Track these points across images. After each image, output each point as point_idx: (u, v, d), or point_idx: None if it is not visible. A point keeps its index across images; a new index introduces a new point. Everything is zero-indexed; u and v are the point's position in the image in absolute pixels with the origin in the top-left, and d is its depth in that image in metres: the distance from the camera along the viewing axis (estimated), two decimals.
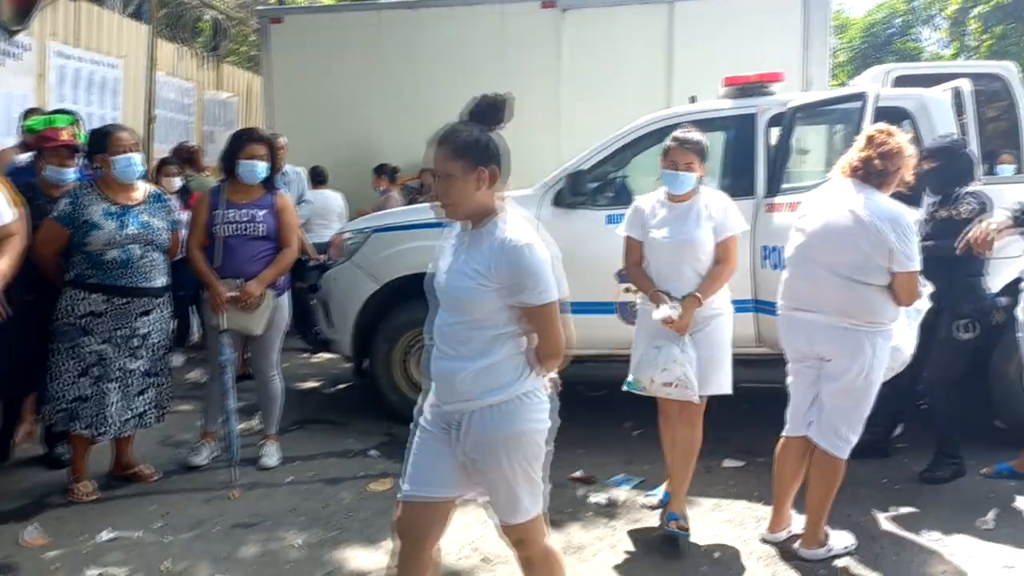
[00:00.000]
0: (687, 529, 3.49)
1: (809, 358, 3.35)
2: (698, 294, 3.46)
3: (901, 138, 3.25)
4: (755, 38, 7.47)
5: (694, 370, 3.43)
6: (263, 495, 4.05)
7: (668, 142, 3.65)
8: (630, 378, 3.70)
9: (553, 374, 2.49)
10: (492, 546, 3.50)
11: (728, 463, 4.46)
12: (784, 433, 3.47)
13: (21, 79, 6.52)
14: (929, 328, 3.91)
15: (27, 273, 3.86)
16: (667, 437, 3.74)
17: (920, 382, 4.25)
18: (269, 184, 4.43)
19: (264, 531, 3.62)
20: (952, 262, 3.93)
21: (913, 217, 3.30)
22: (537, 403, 2.36)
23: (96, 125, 4.55)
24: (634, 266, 3.70)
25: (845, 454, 3.28)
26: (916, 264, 3.13)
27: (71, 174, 4.18)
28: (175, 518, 3.75)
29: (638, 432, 5.07)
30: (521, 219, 2.34)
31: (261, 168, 4.33)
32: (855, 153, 3.27)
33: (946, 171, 4.18)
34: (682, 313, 3.43)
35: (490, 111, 2.30)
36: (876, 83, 7.52)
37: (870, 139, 3.25)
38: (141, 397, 4.00)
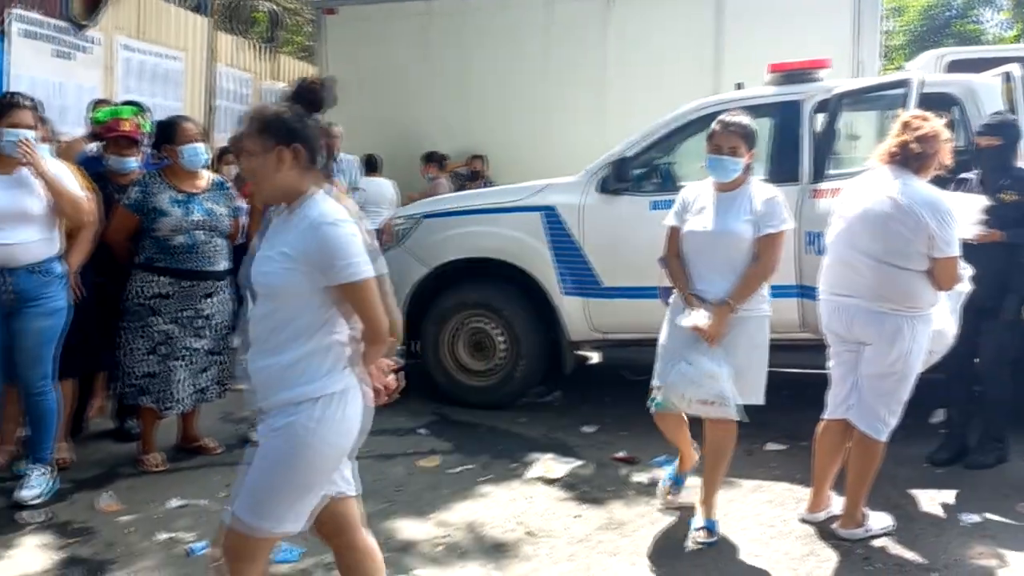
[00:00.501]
0: (715, 539, 3.40)
1: (849, 342, 3.41)
2: (730, 300, 3.28)
3: (936, 122, 3.29)
4: (805, 23, 7.42)
5: (731, 384, 3.26)
6: None
7: (713, 126, 3.50)
8: (657, 397, 3.49)
9: (391, 376, 2.44)
10: (536, 520, 3.65)
11: (771, 446, 4.53)
12: (824, 416, 3.53)
13: (90, 72, 6.82)
14: (989, 311, 3.94)
15: (98, 256, 4.12)
16: (682, 430, 3.64)
17: (972, 367, 4.24)
18: (326, 173, 4.59)
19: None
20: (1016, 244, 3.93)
21: (955, 202, 3.33)
22: (334, 413, 2.19)
23: (160, 115, 4.79)
24: (673, 257, 3.55)
25: (884, 437, 3.34)
26: (955, 249, 3.17)
27: (132, 163, 4.42)
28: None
29: None
30: (332, 200, 2.24)
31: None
32: (892, 139, 3.31)
33: (1009, 148, 4.09)
34: (714, 321, 3.26)
35: (308, 95, 2.22)
36: (927, 68, 7.46)
37: (905, 124, 3.30)
38: (204, 374, 4.22)
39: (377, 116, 8.75)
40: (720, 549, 3.40)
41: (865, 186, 3.37)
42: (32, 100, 3.68)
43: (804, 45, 6.92)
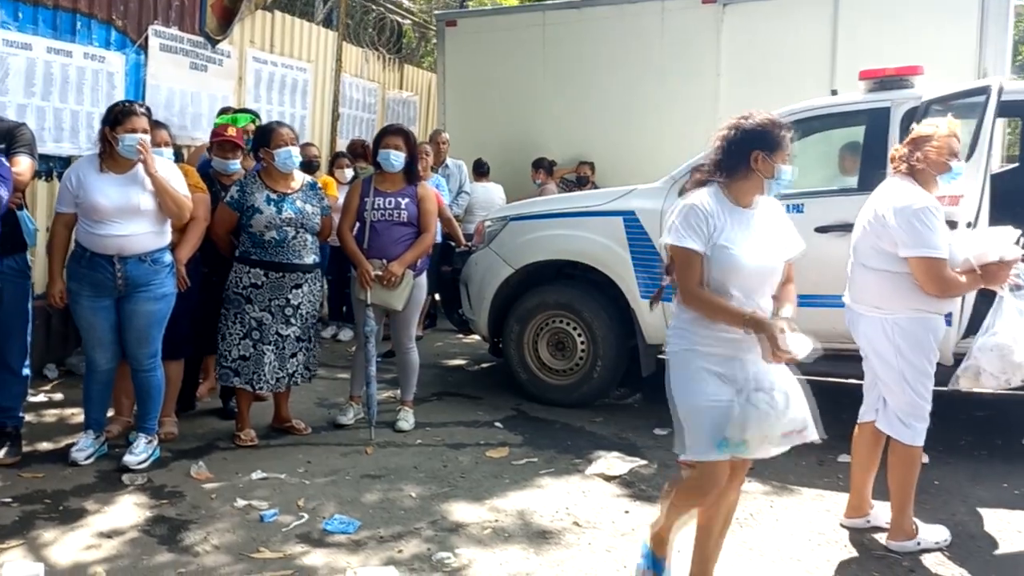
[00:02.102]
0: None
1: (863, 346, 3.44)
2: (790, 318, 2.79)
3: (929, 126, 3.31)
4: (925, 27, 7.14)
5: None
6: (393, 453, 4.51)
7: (784, 134, 2.80)
8: (727, 435, 2.68)
9: None
10: (586, 513, 3.76)
11: (844, 458, 4.43)
12: (858, 419, 3.52)
13: (222, 82, 7.42)
14: None
15: (205, 249, 4.56)
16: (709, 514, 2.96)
17: None
18: (412, 175, 4.88)
19: (387, 483, 4.07)
20: None
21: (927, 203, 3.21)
22: None
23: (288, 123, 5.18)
24: (703, 287, 2.76)
25: (910, 440, 3.29)
26: (926, 251, 3.13)
27: (233, 165, 4.84)
28: (316, 466, 4.28)
29: None
30: None
31: (396, 157, 4.77)
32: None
33: None
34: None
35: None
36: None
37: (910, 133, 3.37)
38: (293, 360, 4.57)
39: (492, 123, 9.08)
40: (762, 551, 3.42)
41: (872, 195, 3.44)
42: (146, 107, 4.13)
43: (924, 50, 6.68)
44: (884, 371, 3.30)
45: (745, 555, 3.38)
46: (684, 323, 2.76)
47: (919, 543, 3.35)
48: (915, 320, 3.22)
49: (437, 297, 7.61)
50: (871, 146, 4.89)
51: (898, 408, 3.29)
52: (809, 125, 5.10)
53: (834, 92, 5.54)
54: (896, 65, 4.87)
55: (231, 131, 4.83)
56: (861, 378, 3.61)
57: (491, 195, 8.23)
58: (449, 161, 7.87)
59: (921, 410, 3.27)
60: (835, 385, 4.83)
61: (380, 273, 4.70)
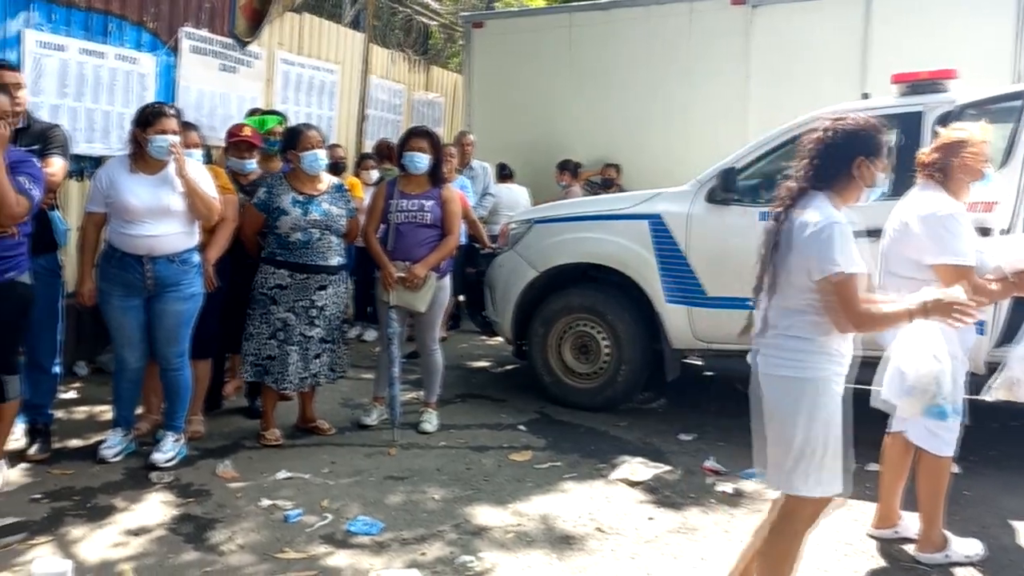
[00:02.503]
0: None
1: None
2: None
3: (962, 131, 3.22)
4: (959, 29, 7.02)
5: None
6: (416, 455, 4.52)
7: (887, 140, 2.88)
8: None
9: None
10: (609, 519, 3.75)
11: (873, 467, 4.37)
12: (889, 429, 3.47)
13: (252, 83, 7.48)
14: None
15: (233, 250, 4.59)
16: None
17: None
18: (437, 177, 4.89)
19: (411, 484, 4.08)
20: None
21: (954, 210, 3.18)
22: None
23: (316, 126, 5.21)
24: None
25: (937, 450, 3.25)
26: (952, 258, 3.07)
27: (249, 164, 4.90)
28: (340, 466, 4.29)
29: None
30: None
31: (420, 159, 4.78)
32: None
33: None
34: None
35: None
36: None
37: (936, 137, 3.31)
38: (318, 360, 4.59)
39: (518, 124, 9.07)
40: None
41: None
42: (176, 108, 4.17)
43: (959, 52, 6.57)
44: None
45: None
46: (823, 346, 2.54)
47: (948, 555, 3.30)
48: (941, 327, 3.18)
49: (462, 299, 7.64)
50: (903, 151, 4.83)
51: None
52: None
53: (866, 96, 5.49)
54: (929, 68, 4.81)
55: (247, 131, 4.89)
56: None
57: (516, 197, 8.20)
58: (474, 163, 7.88)
59: (954, 419, 3.21)
60: (867, 392, 4.78)
61: (403, 275, 4.71)
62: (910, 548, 3.42)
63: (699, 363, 5.63)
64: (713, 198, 5.00)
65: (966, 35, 6.97)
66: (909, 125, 4.71)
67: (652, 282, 5.16)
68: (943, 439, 3.24)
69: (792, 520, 2.62)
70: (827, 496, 2.58)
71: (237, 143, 4.88)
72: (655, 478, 4.23)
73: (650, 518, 3.77)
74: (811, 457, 2.52)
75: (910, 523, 3.46)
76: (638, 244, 5.19)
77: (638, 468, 4.33)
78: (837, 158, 2.54)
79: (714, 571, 3.27)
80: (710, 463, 4.42)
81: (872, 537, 3.52)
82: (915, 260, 3.21)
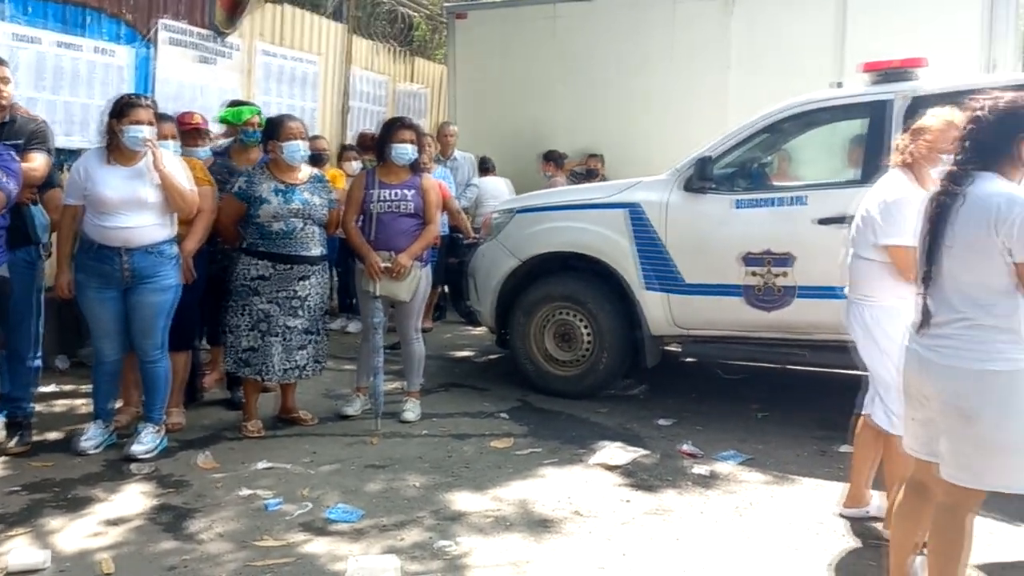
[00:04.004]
0: None
1: None
2: None
3: (933, 117, 3.27)
4: (932, 17, 7.10)
5: None
6: (398, 443, 4.54)
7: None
8: None
9: None
10: (586, 502, 3.78)
11: (845, 448, 4.44)
12: (859, 411, 3.54)
13: (231, 75, 7.46)
14: None
15: (212, 241, 4.60)
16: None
17: None
18: (415, 167, 4.91)
19: (391, 472, 4.10)
20: None
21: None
22: None
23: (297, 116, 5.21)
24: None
25: (885, 426, 3.32)
26: (897, 239, 3.16)
27: (201, 152, 4.94)
28: (321, 456, 4.32)
29: (763, 415, 5.13)
30: None
31: (411, 151, 4.81)
32: None
33: None
34: None
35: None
36: None
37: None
38: (301, 352, 4.60)
39: (503, 116, 9.08)
40: (761, 539, 3.43)
41: None
42: (150, 99, 4.17)
43: (931, 41, 6.65)
44: (869, 359, 3.35)
45: (744, 544, 3.39)
46: (1019, 333, 2.42)
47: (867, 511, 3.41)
48: (885, 311, 3.25)
49: (446, 289, 7.65)
50: (873, 139, 4.87)
51: (876, 392, 3.35)
52: (813, 118, 5.08)
53: (839, 84, 5.52)
54: (901, 57, 4.85)
55: (196, 118, 4.93)
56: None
57: (498, 188, 8.21)
58: (457, 153, 7.89)
59: (888, 396, 3.28)
60: (842, 376, 4.85)
61: (389, 265, 4.72)
62: (880, 527, 3.47)
63: (677, 350, 5.66)
64: (690, 187, 5.03)
65: (939, 25, 7.06)
66: (879, 112, 4.75)
67: (631, 270, 5.19)
68: (885, 415, 3.31)
69: (961, 510, 2.55)
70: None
71: (187, 131, 4.87)
72: (633, 462, 4.27)
73: (627, 501, 3.81)
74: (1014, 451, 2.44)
75: (881, 502, 3.51)
76: (617, 233, 5.22)
77: (616, 453, 4.37)
78: (1000, 136, 2.47)
79: (688, 551, 3.32)
80: (687, 447, 4.47)
81: (844, 517, 3.57)
82: (873, 243, 3.29)
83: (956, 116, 3.21)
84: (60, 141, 5.81)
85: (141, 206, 4.03)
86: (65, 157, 5.91)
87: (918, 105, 4.55)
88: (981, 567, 3.14)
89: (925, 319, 2.55)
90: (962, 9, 7.05)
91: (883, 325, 3.26)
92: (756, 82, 7.71)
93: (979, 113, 2.51)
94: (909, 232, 3.07)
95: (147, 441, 4.17)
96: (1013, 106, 2.47)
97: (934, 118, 3.27)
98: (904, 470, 3.27)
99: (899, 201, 3.20)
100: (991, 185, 2.44)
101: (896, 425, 3.26)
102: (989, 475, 2.46)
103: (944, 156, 3.15)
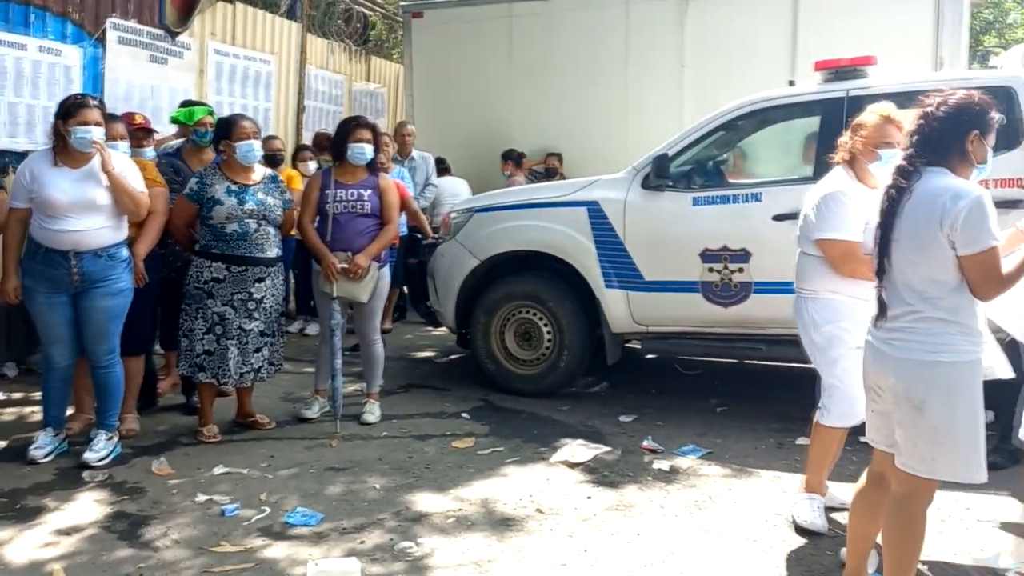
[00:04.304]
0: None
1: None
2: None
3: (869, 113, 3.32)
4: (883, 17, 7.25)
5: None
6: (358, 446, 4.50)
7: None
8: None
9: None
10: (549, 500, 3.79)
11: (801, 440, 4.50)
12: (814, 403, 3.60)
13: (183, 75, 7.33)
14: None
15: (164, 243, 4.52)
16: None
17: None
18: (372, 166, 4.87)
19: (351, 475, 4.06)
20: None
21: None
22: None
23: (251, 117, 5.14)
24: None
25: (823, 420, 3.42)
26: (829, 233, 3.25)
27: (148, 152, 4.90)
28: (279, 460, 4.26)
29: (722, 409, 5.19)
30: None
31: (368, 150, 4.77)
32: None
33: None
34: None
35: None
36: (1016, 63, 7.12)
37: None
38: (258, 354, 4.54)
39: (460, 115, 9.08)
40: (719, 531, 3.46)
41: None
42: (99, 99, 4.08)
43: (882, 40, 6.79)
44: (809, 351, 3.45)
45: (703, 536, 3.41)
46: (967, 325, 2.48)
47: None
48: (826, 302, 3.34)
49: (406, 290, 7.61)
50: (826, 136, 4.94)
51: (822, 383, 3.43)
52: (768, 115, 5.14)
53: (791, 83, 5.60)
54: (852, 56, 4.93)
55: (138, 118, 4.88)
56: None
57: (456, 187, 8.21)
58: (415, 153, 7.86)
59: (836, 392, 3.34)
60: (799, 370, 4.90)
61: (346, 266, 4.68)
62: (839, 516, 3.51)
63: (638, 347, 5.70)
64: (648, 185, 5.06)
65: (889, 24, 7.21)
66: (832, 110, 4.81)
67: (591, 268, 5.20)
68: (830, 410, 3.38)
69: (916, 500, 2.58)
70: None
71: (133, 131, 4.79)
72: (594, 459, 4.29)
73: (588, 497, 3.82)
74: (957, 442, 2.48)
75: (837, 492, 3.56)
76: (577, 231, 5.23)
77: (578, 450, 4.38)
78: (949, 133, 2.50)
79: (649, 545, 3.33)
80: (647, 442, 4.49)
81: (798, 505, 3.60)
82: (810, 237, 3.37)
83: (892, 111, 3.27)
84: (4, 143, 5.70)
85: (90, 209, 3.94)
86: (10, 159, 5.77)
87: (867, 103, 4.66)
88: (932, 563, 3.21)
89: (881, 312, 2.60)
90: (912, 9, 7.19)
91: (819, 318, 3.35)
92: (711, 81, 7.82)
93: (929, 110, 2.54)
94: (842, 227, 3.18)
95: (100, 448, 4.08)
96: (963, 103, 2.52)
97: (870, 114, 3.31)
98: (822, 459, 3.36)
99: (829, 196, 3.27)
100: (939, 181, 2.48)
101: (825, 415, 3.37)
102: (941, 465, 2.51)
103: (881, 151, 3.20)
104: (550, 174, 8.47)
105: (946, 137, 2.50)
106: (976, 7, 12.81)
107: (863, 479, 2.86)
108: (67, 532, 3.38)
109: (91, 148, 3.92)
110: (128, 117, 4.91)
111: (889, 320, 2.57)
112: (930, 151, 2.52)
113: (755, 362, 5.62)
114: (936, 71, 6.88)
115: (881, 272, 2.57)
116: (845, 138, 3.39)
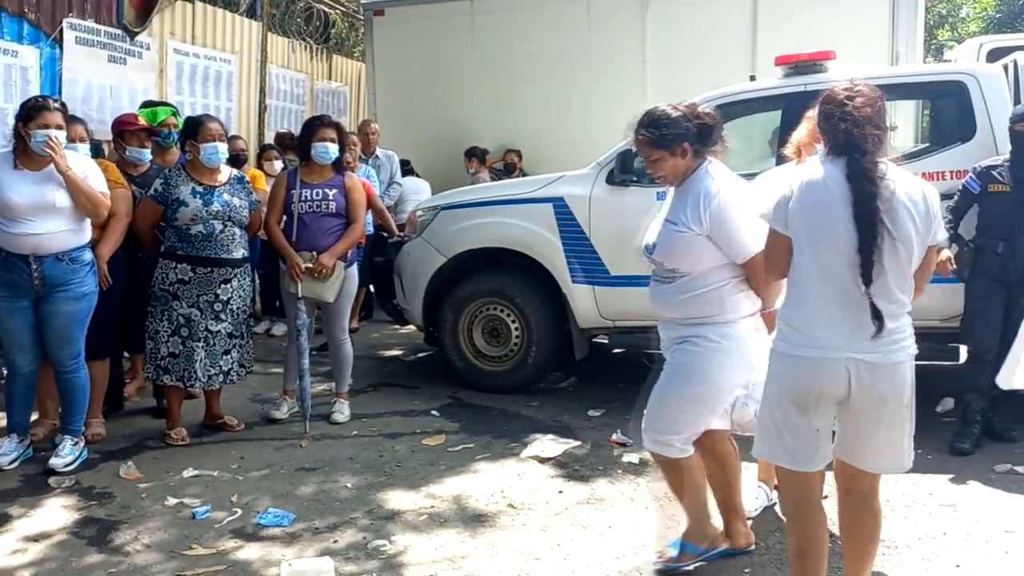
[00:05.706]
0: None
1: None
2: None
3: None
4: (841, 12, 7.37)
5: None
6: (328, 445, 4.50)
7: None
8: None
9: None
10: (520, 495, 3.82)
11: None
12: None
13: (143, 75, 7.26)
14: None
15: (128, 245, 4.47)
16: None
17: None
18: (338, 165, 4.86)
19: (322, 475, 4.06)
20: None
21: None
22: None
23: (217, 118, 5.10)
24: None
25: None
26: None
27: (148, 154, 4.80)
28: (249, 461, 4.24)
29: None
30: None
31: (332, 149, 4.76)
32: None
33: None
34: None
35: None
36: (968, 57, 7.31)
37: None
38: (226, 356, 4.52)
39: (423, 113, 9.05)
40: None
41: None
42: (60, 102, 4.02)
43: (840, 34, 6.90)
44: None
45: (673, 528, 3.43)
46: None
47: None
48: None
49: (372, 288, 7.59)
50: (787, 129, 5.03)
51: None
52: (730, 110, 5.21)
53: (752, 78, 5.69)
54: (811, 51, 5.02)
55: (141, 120, 4.82)
56: None
57: (418, 187, 8.20)
58: (379, 151, 7.83)
59: None
60: None
61: (311, 265, 4.67)
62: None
63: (605, 341, 5.75)
64: (612, 180, 5.11)
65: (846, 19, 7.31)
66: (792, 104, 4.89)
67: (558, 264, 5.24)
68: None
69: (877, 489, 2.66)
70: None
71: (135, 132, 4.75)
72: (565, 453, 4.33)
73: (560, 492, 3.86)
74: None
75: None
76: (543, 227, 5.26)
77: (549, 445, 4.42)
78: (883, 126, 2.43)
79: (620, 537, 3.38)
80: (617, 436, 4.54)
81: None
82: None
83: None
84: None
85: (51, 211, 3.89)
86: None
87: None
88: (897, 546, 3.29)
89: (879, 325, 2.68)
90: (869, 4, 7.32)
91: None
92: (673, 76, 7.85)
93: (882, 102, 2.54)
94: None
95: (67, 454, 4.03)
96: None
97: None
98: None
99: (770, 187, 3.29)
100: (908, 176, 2.52)
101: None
102: (909, 457, 2.58)
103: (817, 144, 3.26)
104: (509, 170, 8.50)
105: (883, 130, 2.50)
106: (930, 2, 13.09)
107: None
108: (35, 539, 3.34)
109: (45, 150, 3.85)
110: (130, 118, 4.86)
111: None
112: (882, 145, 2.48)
113: None
114: (892, 65, 7.03)
115: (869, 280, 2.39)
116: (800, 131, 3.45)
